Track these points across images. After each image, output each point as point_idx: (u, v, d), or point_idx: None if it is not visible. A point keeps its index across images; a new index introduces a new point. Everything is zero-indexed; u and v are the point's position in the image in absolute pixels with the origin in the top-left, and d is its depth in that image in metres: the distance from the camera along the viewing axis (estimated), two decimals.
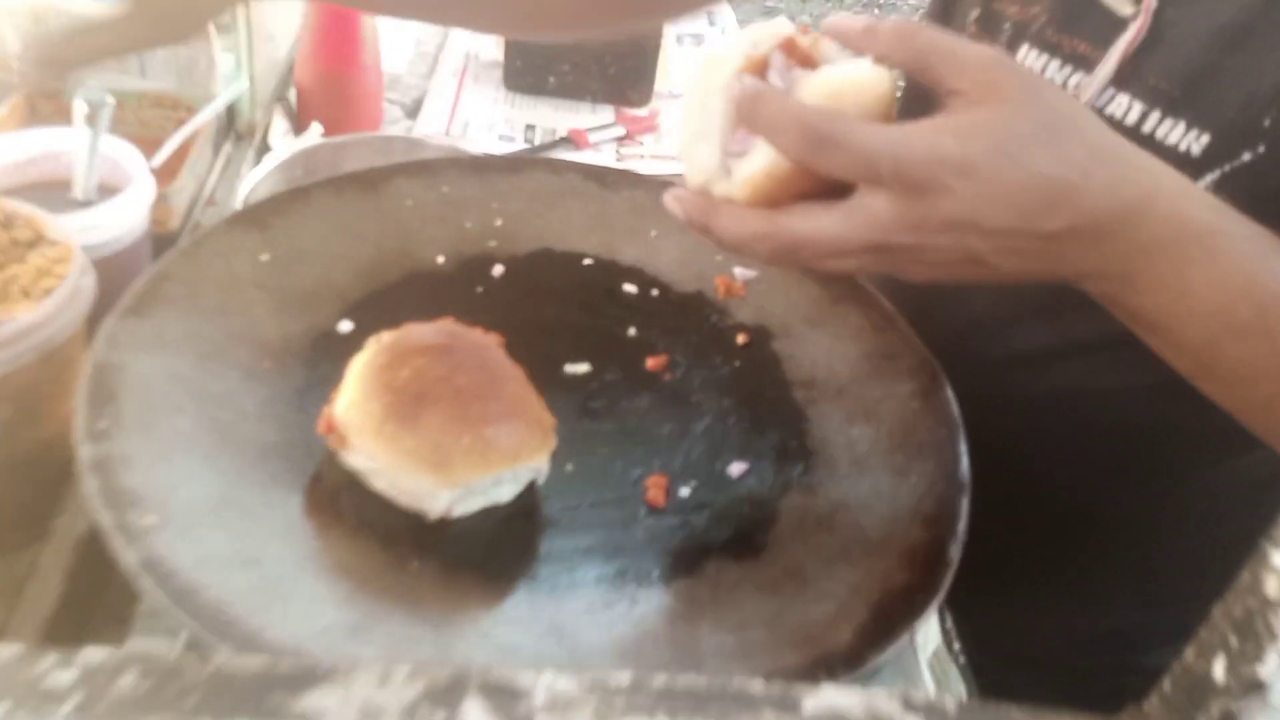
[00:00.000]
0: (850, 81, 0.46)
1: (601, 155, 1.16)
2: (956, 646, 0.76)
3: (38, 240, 0.60)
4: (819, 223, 0.44)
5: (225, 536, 0.50)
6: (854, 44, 0.46)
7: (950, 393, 0.64)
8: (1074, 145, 0.43)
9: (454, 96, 1.21)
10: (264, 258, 0.66)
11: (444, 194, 0.75)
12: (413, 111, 1.19)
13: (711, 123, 0.48)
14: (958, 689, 0.71)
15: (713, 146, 0.48)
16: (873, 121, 0.44)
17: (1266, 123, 0.54)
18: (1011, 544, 0.65)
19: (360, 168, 0.98)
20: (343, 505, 0.54)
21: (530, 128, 1.19)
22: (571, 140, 1.16)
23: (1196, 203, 0.45)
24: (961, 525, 0.56)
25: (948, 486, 0.58)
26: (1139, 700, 0.90)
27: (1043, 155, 0.42)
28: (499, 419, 0.53)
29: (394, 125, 1.16)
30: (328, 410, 0.55)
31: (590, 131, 1.17)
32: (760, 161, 0.46)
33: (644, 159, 1.16)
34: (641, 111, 1.23)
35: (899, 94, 0.45)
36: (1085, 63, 0.62)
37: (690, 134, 0.49)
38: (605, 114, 1.23)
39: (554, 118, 1.21)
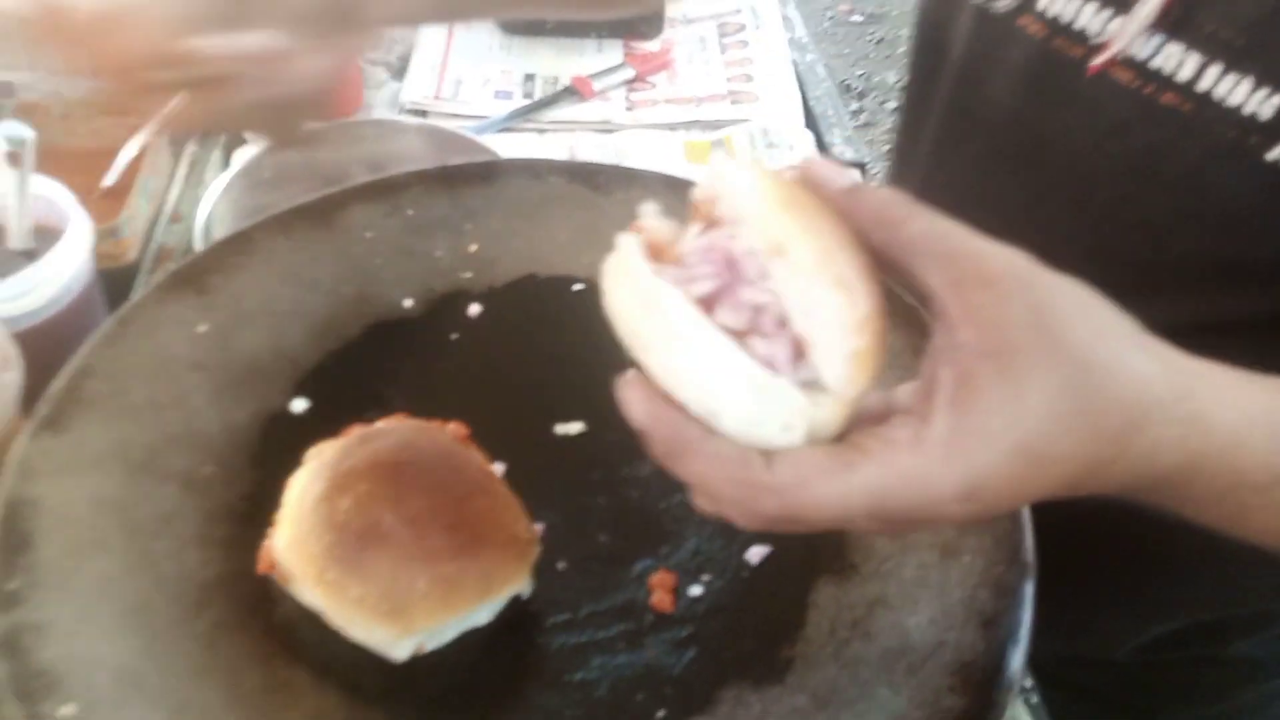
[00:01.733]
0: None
1: (611, 105, 1.04)
2: None
3: None
4: (824, 492, 0.36)
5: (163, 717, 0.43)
6: (834, 201, 0.36)
7: None
8: (1110, 412, 0.33)
9: (444, 48, 1.09)
10: (202, 329, 0.58)
11: (409, 219, 0.65)
12: (399, 72, 1.07)
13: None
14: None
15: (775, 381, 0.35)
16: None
17: None
18: (1075, 565, 0.57)
19: (333, 160, 0.88)
20: (302, 641, 0.47)
21: (529, 78, 1.07)
22: (575, 90, 1.04)
23: (1256, 452, 0.36)
24: (1025, 626, 0.47)
25: (1008, 569, 0.49)
26: (1222, 691, 0.78)
27: (1067, 441, 0.33)
28: (460, 551, 0.45)
29: (378, 91, 1.05)
30: (267, 546, 0.47)
31: (595, 78, 1.05)
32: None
33: (657, 105, 1.04)
34: (652, 46, 1.10)
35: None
36: (1120, 1, 0.50)
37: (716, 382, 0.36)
38: (613, 53, 1.10)
39: (555, 63, 1.08)
